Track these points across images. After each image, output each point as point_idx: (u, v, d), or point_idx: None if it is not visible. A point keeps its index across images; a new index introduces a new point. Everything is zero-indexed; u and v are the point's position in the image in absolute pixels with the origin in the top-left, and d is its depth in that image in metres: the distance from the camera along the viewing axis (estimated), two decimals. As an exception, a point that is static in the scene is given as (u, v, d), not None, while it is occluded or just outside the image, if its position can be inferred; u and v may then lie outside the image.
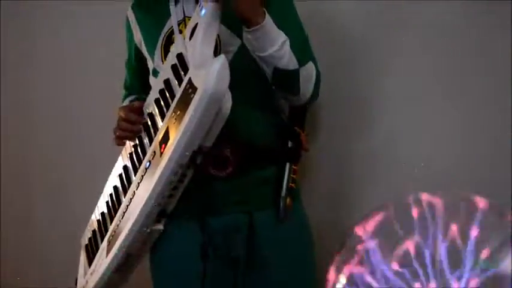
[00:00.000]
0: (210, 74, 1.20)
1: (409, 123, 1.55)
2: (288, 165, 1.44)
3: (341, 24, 1.65)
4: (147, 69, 1.52)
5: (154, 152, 1.33)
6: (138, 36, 1.52)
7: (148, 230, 1.36)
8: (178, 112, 1.27)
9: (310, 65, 1.38)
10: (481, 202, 1.18)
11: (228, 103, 1.24)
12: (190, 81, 1.26)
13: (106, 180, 1.58)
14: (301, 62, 1.35)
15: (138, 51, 1.54)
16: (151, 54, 1.47)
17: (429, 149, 1.51)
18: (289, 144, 1.46)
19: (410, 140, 1.54)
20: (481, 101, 1.45)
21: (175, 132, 1.26)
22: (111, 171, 1.57)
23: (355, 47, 1.63)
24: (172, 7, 1.42)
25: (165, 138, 1.30)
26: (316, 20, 1.60)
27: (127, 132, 1.46)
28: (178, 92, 1.31)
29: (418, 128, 1.53)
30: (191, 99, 1.23)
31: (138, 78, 1.59)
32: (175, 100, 1.31)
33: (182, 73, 1.32)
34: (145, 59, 1.52)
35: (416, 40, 1.53)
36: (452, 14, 1.46)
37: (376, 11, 1.58)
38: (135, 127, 1.45)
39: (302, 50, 1.38)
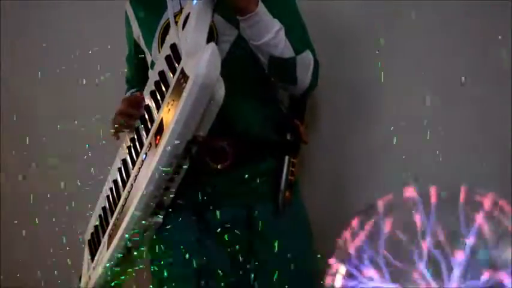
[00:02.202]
0: (200, 62, 1.19)
1: (410, 119, 1.52)
2: (287, 158, 1.43)
3: (343, 20, 1.64)
4: (147, 63, 1.52)
5: (150, 143, 1.33)
6: (136, 31, 1.52)
7: (147, 223, 1.36)
8: (172, 102, 1.27)
9: (307, 54, 1.37)
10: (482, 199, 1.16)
11: (220, 91, 1.23)
12: (182, 70, 1.26)
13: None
14: (298, 51, 1.34)
15: (137, 46, 1.55)
16: (149, 47, 1.47)
17: (429, 145, 1.48)
18: (288, 136, 1.45)
19: (411, 135, 1.52)
20: (481, 100, 1.42)
21: (169, 123, 1.26)
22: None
23: (356, 42, 1.61)
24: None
25: (160, 129, 1.29)
26: (318, 15, 1.59)
27: (124, 126, 1.46)
28: (172, 82, 1.30)
29: (419, 124, 1.51)
30: (183, 88, 1.22)
31: (138, 72, 1.59)
32: (169, 90, 1.31)
33: (176, 63, 1.32)
34: (145, 53, 1.52)
35: (416, 38, 1.51)
36: (453, 14, 1.45)
37: (378, 8, 1.56)
38: (132, 120, 1.45)
39: (299, 38, 1.36)
